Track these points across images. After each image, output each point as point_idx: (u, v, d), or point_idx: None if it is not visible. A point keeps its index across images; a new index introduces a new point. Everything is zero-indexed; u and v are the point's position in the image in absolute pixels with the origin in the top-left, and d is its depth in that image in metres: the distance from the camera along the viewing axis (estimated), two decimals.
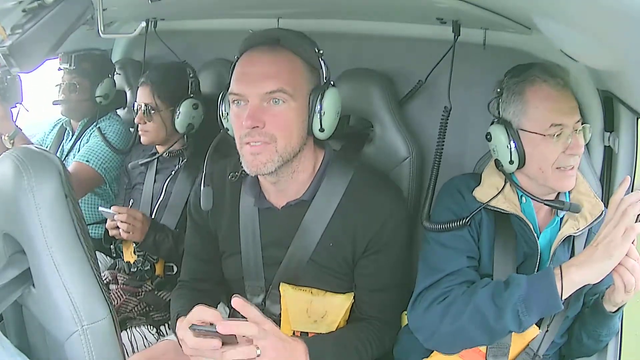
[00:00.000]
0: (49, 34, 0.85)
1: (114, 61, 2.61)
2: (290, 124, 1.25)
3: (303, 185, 1.36)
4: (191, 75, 1.97)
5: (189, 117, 1.93)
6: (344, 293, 1.38)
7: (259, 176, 1.36)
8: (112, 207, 1.84)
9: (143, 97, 1.92)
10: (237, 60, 1.29)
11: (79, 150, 2.29)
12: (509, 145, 1.28)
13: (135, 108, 1.95)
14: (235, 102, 1.26)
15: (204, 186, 1.35)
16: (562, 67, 1.31)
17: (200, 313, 1.10)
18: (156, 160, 2.05)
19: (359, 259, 1.36)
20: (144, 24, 2.12)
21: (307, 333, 1.37)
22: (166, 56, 2.33)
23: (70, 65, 2.24)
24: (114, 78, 2.36)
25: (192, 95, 1.94)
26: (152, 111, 1.91)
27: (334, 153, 1.41)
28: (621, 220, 1.13)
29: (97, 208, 2.28)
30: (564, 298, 1.16)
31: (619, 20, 0.72)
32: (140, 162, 2.07)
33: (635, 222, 1.13)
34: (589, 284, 1.18)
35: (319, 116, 1.26)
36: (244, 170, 1.30)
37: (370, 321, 1.38)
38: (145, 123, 1.92)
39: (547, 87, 1.26)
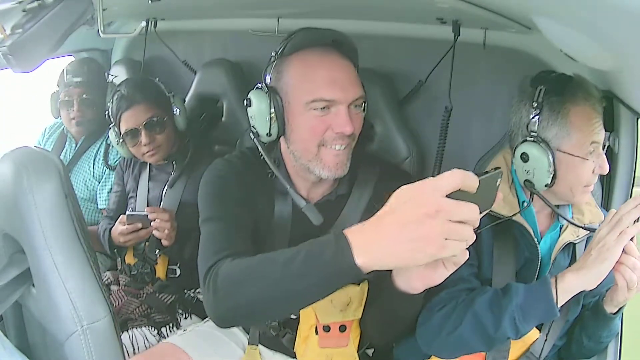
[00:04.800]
0: (49, 34, 0.85)
1: (113, 61, 2.60)
2: (361, 125, 1.30)
3: (335, 180, 1.35)
4: (157, 79, 1.96)
5: (184, 111, 1.93)
6: (358, 284, 1.35)
7: (293, 172, 1.35)
8: (146, 208, 1.79)
9: (141, 116, 1.82)
10: (280, 55, 1.26)
11: (89, 168, 2.24)
12: (551, 169, 1.23)
13: (129, 133, 1.82)
14: (321, 107, 1.23)
15: (306, 201, 1.27)
16: (592, 83, 1.27)
17: (464, 177, 0.82)
18: (148, 168, 1.99)
19: None
20: (144, 23, 2.12)
21: (329, 327, 1.35)
22: (166, 56, 2.33)
23: (83, 78, 2.11)
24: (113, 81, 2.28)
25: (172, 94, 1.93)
26: (164, 119, 1.85)
27: (356, 149, 1.40)
28: (616, 226, 1.14)
29: (93, 214, 2.25)
30: (559, 305, 1.17)
31: (619, 20, 0.72)
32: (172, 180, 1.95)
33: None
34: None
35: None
36: (277, 168, 1.29)
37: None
38: (155, 139, 1.84)
39: (589, 108, 1.23)
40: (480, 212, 0.83)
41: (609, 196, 1.50)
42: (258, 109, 1.27)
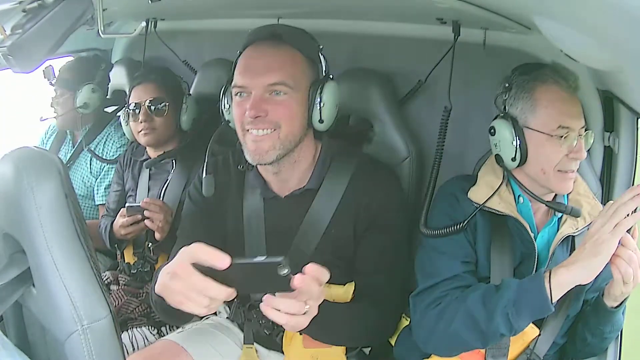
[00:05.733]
0: (49, 34, 0.85)
1: (113, 61, 2.61)
2: (293, 112, 1.29)
3: (304, 175, 1.38)
4: (182, 77, 2.04)
5: (194, 113, 1.96)
6: (344, 284, 1.38)
7: (259, 167, 1.38)
8: (142, 201, 1.82)
9: (147, 93, 1.89)
10: (239, 56, 1.33)
11: (86, 164, 2.26)
12: (514, 142, 1.27)
13: (132, 108, 1.90)
14: (238, 94, 1.30)
15: (206, 174, 1.37)
16: (571, 71, 1.30)
17: (206, 252, 0.93)
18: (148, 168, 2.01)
19: (360, 242, 1.38)
20: (144, 24, 2.12)
21: None
22: (166, 56, 2.33)
23: (50, 79, 2.23)
24: (97, 83, 2.28)
25: (189, 93, 1.98)
26: (167, 103, 1.90)
27: (334, 144, 1.43)
28: (611, 218, 1.11)
29: (91, 211, 2.26)
30: (554, 300, 1.15)
31: (619, 20, 0.72)
32: (145, 162, 2.02)
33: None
34: (588, 283, 1.17)
35: (318, 108, 1.31)
36: (248, 162, 1.34)
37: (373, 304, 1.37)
38: (153, 120, 1.89)
39: (558, 89, 1.26)
40: (249, 292, 1.01)
41: (609, 196, 1.50)
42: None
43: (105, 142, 2.27)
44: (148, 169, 2.00)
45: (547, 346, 1.32)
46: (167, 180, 1.97)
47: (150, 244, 1.89)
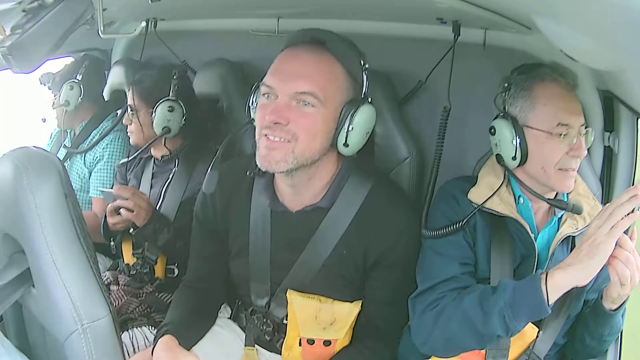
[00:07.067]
0: (49, 34, 0.85)
1: (113, 61, 2.60)
2: (315, 129, 1.22)
3: (319, 192, 1.34)
4: (175, 77, 1.89)
5: (163, 120, 1.86)
6: (351, 301, 1.37)
7: (275, 177, 1.35)
8: (114, 187, 1.82)
9: (131, 97, 1.96)
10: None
11: (80, 156, 2.29)
12: (514, 141, 1.27)
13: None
14: (265, 94, 1.24)
15: (211, 169, 1.32)
16: (570, 69, 1.30)
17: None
18: (152, 164, 2.02)
19: (370, 271, 1.36)
20: (144, 24, 2.12)
21: (313, 340, 1.37)
22: (166, 56, 2.32)
23: (46, 85, 2.29)
24: (81, 82, 2.27)
25: (173, 97, 1.87)
26: (132, 112, 1.94)
27: (353, 162, 1.38)
28: (607, 220, 1.11)
29: (86, 205, 2.28)
30: (551, 302, 1.14)
31: (619, 20, 0.72)
32: (130, 159, 2.06)
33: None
34: (589, 284, 1.17)
35: (345, 131, 1.23)
36: (259, 169, 1.28)
37: (373, 336, 1.38)
38: (131, 124, 1.96)
39: (556, 86, 1.26)
40: None
41: (609, 196, 1.50)
42: None
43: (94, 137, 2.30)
44: (151, 168, 2.02)
45: (548, 346, 1.31)
46: (169, 178, 1.97)
47: (131, 229, 1.89)
